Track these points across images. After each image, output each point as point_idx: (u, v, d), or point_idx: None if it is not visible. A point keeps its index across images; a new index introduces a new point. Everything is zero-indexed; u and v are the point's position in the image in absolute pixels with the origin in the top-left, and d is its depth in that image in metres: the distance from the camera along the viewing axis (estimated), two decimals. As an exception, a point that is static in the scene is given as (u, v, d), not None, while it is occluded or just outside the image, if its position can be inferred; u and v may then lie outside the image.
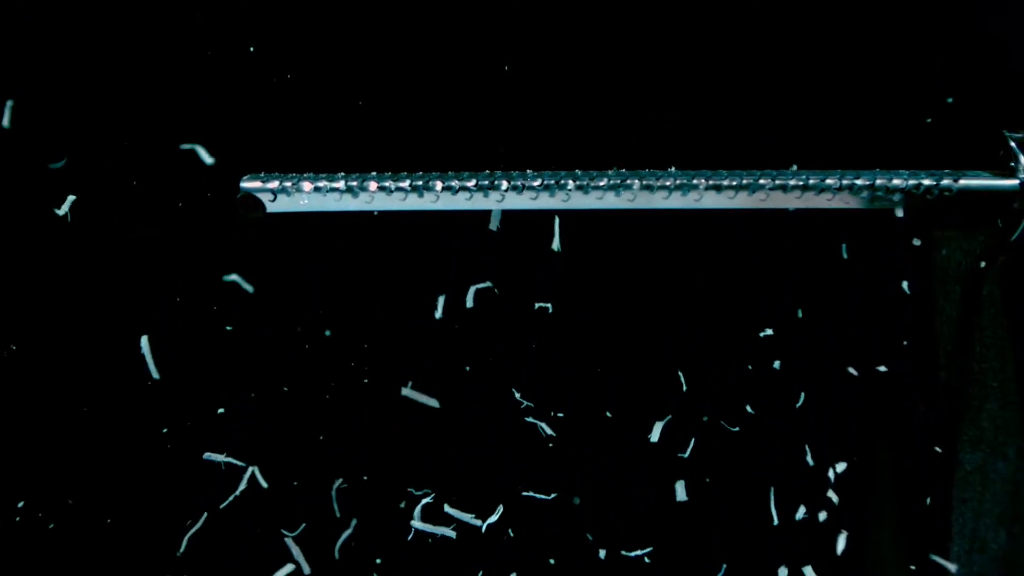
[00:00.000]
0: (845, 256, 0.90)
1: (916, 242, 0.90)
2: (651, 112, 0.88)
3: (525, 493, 0.92)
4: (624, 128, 0.88)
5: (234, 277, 0.88)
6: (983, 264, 0.88)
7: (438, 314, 0.89)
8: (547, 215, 0.88)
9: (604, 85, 0.88)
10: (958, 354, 0.90)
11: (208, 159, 0.86)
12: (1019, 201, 0.82)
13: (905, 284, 0.90)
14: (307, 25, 0.87)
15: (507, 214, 0.87)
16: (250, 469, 0.90)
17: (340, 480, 0.91)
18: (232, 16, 0.86)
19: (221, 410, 0.90)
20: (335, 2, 0.86)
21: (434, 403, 0.90)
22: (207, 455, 0.90)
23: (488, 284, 0.89)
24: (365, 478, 0.91)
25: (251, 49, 0.86)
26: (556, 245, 0.88)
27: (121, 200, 0.87)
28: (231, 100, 0.86)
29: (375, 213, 0.87)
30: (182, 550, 0.90)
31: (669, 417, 0.91)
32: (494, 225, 0.87)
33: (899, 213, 0.85)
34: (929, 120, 0.88)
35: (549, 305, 0.90)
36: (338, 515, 0.91)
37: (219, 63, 0.86)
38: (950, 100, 0.88)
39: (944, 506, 0.91)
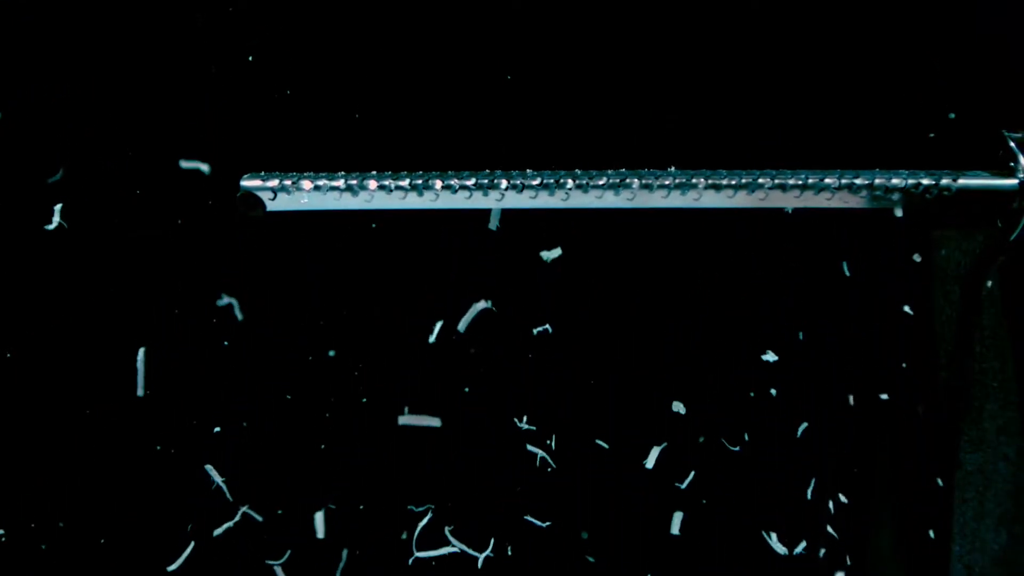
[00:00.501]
0: (847, 274, 0.90)
1: (916, 258, 0.90)
2: (651, 112, 0.88)
3: (526, 518, 0.92)
4: (624, 128, 0.88)
5: (229, 300, 0.88)
6: (989, 284, 0.88)
7: (432, 339, 0.89)
8: (547, 220, 0.88)
9: (604, 85, 0.88)
10: (958, 355, 0.89)
11: (205, 168, 0.86)
12: (1018, 201, 0.82)
13: (907, 308, 0.90)
14: (309, 25, 0.87)
15: (507, 214, 0.87)
16: (241, 509, 0.90)
17: (330, 504, 0.91)
18: (233, 16, 0.86)
19: (217, 428, 0.90)
20: (336, 3, 0.87)
21: (436, 423, 0.90)
22: (208, 467, 0.90)
23: (487, 305, 0.89)
24: (365, 499, 0.92)
25: (252, 47, 0.86)
26: (546, 255, 0.88)
27: (121, 200, 0.87)
28: (232, 99, 0.87)
29: (374, 226, 0.88)
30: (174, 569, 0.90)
31: (665, 444, 0.92)
32: (494, 224, 0.87)
33: (898, 213, 0.85)
34: (932, 135, 0.88)
35: (548, 326, 0.90)
36: (335, 539, 0.91)
37: (219, 63, 0.86)
38: (952, 116, 0.88)
39: (945, 507, 0.90)
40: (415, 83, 0.87)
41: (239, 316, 0.88)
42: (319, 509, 0.91)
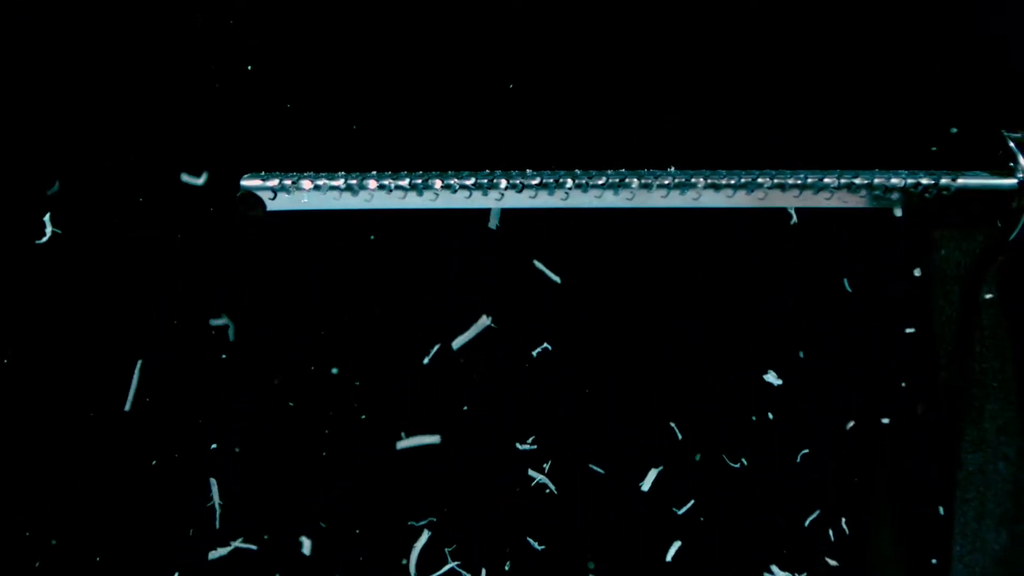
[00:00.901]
0: (849, 290, 0.90)
1: (916, 272, 0.90)
2: (651, 112, 0.88)
3: (528, 539, 0.92)
4: (624, 128, 0.88)
5: (224, 322, 0.88)
6: (988, 296, 0.88)
7: (431, 354, 0.90)
8: (546, 219, 0.88)
9: (603, 85, 0.88)
10: (958, 355, 0.89)
11: (200, 182, 0.86)
12: (1018, 200, 0.82)
13: (910, 328, 0.90)
14: (309, 25, 0.87)
15: (507, 213, 0.87)
16: (233, 544, 0.90)
17: (321, 523, 0.91)
18: (233, 15, 0.86)
19: (214, 445, 0.90)
20: (336, 3, 0.87)
21: (435, 440, 0.91)
22: (212, 480, 0.90)
23: (488, 321, 0.90)
24: (361, 521, 0.92)
25: (253, 47, 0.87)
26: (541, 266, 0.89)
27: (119, 201, 0.87)
28: (231, 99, 0.87)
29: (372, 238, 0.88)
30: None
31: (661, 468, 0.92)
32: (493, 223, 0.87)
33: (898, 212, 0.85)
34: (935, 149, 0.88)
35: (547, 344, 0.90)
36: (328, 563, 0.91)
37: (219, 62, 0.86)
38: (954, 131, 0.88)
39: (946, 507, 0.90)
40: (415, 83, 0.87)
41: (231, 337, 0.88)
42: (312, 529, 0.91)
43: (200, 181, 0.86)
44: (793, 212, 0.88)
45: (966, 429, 0.89)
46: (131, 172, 0.87)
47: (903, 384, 0.91)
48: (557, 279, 0.88)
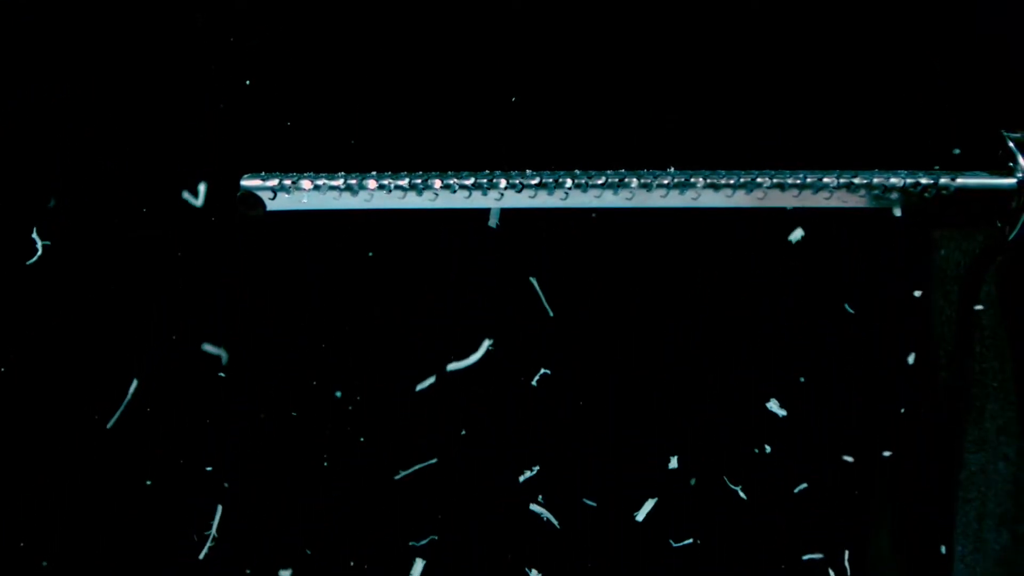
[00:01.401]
0: (851, 311, 0.90)
1: (917, 293, 0.90)
2: (651, 112, 0.88)
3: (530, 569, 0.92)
4: (624, 128, 0.88)
5: (212, 349, 0.88)
6: (988, 296, 0.88)
7: (419, 387, 0.90)
8: (546, 219, 0.88)
9: (603, 85, 0.88)
10: (958, 355, 0.89)
11: (197, 202, 0.86)
12: (1017, 200, 0.82)
13: (911, 358, 0.90)
14: (309, 25, 0.87)
15: (507, 216, 0.87)
16: None
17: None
18: (233, 15, 0.87)
19: (209, 468, 0.90)
20: (336, 3, 0.87)
21: (432, 461, 0.91)
22: (219, 506, 0.90)
23: (489, 345, 0.90)
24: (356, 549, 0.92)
25: (253, 47, 0.87)
26: (537, 287, 0.89)
27: (118, 202, 0.87)
28: (231, 99, 0.87)
29: (371, 254, 0.88)
30: None
31: (657, 499, 0.91)
32: (493, 222, 0.87)
33: (897, 212, 0.85)
34: (937, 167, 0.87)
35: (548, 370, 0.90)
36: None
37: (220, 61, 0.87)
38: (956, 151, 0.88)
39: (947, 507, 0.90)
40: (414, 83, 0.87)
41: (224, 362, 0.88)
42: (301, 557, 0.90)
43: (199, 202, 0.86)
44: (800, 231, 0.88)
45: (967, 429, 0.89)
46: (130, 175, 0.87)
47: (906, 390, 0.91)
48: (551, 312, 0.89)
